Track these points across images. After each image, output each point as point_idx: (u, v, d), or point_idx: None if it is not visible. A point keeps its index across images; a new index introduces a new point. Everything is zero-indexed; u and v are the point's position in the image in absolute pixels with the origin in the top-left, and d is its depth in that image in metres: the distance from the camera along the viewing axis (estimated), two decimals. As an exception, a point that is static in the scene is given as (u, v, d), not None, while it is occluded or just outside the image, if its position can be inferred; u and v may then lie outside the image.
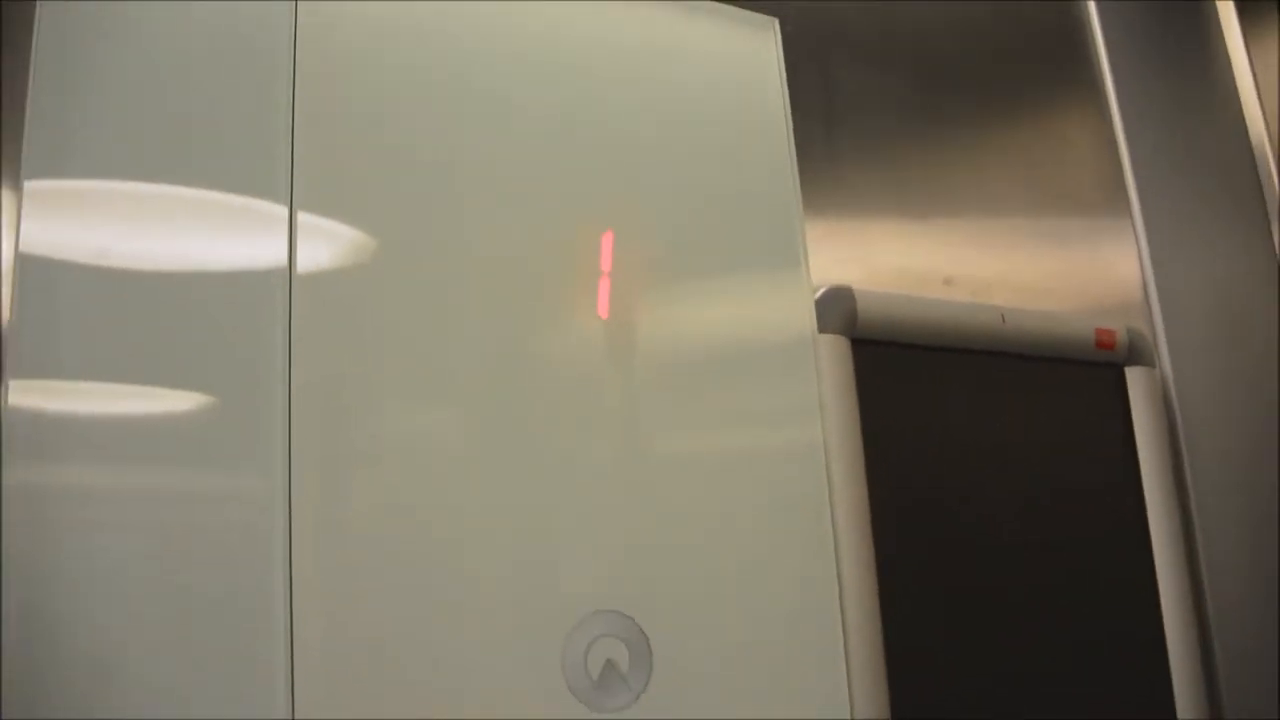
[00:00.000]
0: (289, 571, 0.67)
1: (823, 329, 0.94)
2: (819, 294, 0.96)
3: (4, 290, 0.68)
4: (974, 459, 1.05)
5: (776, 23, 0.98)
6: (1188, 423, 1.26)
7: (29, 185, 0.67)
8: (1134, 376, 1.19)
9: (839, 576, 0.88)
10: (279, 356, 0.70)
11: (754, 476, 0.86)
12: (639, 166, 0.88)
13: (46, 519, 0.63)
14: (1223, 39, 1.52)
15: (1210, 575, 1.22)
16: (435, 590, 0.72)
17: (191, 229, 0.70)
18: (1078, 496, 1.12)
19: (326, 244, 0.74)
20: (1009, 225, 1.25)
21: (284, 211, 0.73)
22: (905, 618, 0.92)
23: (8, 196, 0.72)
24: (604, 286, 0.83)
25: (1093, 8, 1.41)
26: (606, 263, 0.83)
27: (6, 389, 0.64)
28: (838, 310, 0.96)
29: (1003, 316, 1.08)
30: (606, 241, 0.84)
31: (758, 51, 0.97)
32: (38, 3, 0.70)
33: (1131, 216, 1.34)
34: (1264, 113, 1.47)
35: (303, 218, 0.73)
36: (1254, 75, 1.49)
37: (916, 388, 1.02)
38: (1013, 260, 1.23)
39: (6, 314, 0.67)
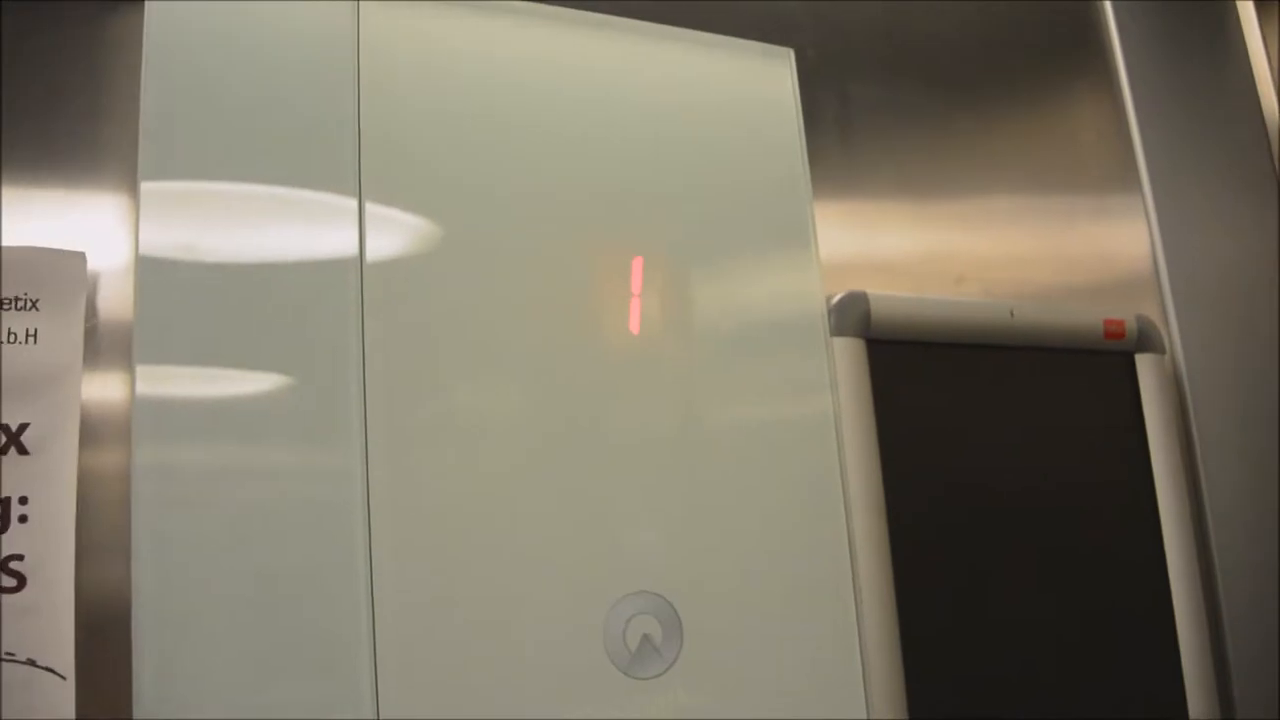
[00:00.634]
0: (369, 542, 0.78)
1: (838, 332, 1.03)
2: (834, 299, 1.04)
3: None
4: (987, 452, 1.11)
5: (792, 53, 1.07)
6: (1199, 409, 1.30)
7: (145, 186, 0.78)
8: (1144, 364, 1.24)
9: (854, 566, 0.97)
10: (353, 338, 0.81)
11: (776, 469, 0.96)
12: (663, 184, 0.98)
13: (165, 496, 0.74)
14: (1238, 19, 1.54)
15: (1222, 564, 1.26)
16: (495, 564, 0.83)
17: (276, 223, 0.82)
18: (1090, 486, 1.18)
19: (393, 235, 0.85)
20: (1019, 209, 1.30)
21: (353, 205, 0.84)
22: (920, 607, 1.00)
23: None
24: (634, 306, 0.93)
25: (1104, -10, 1.45)
26: (637, 283, 0.94)
27: (135, 376, 0.75)
28: (852, 313, 1.04)
29: (1011, 311, 1.15)
30: (637, 263, 0.94)
31: (774, 79, 1.06)
32: (146, 2, 0.81)
33: (1143, 200, 1.37)
34: (1278, 93, 1.49)
35: (371, 210, 0.84)
36: (1268, 55, 1.51)
37: (930, 385, 1.09)
38: (1023, 246, 1.28)
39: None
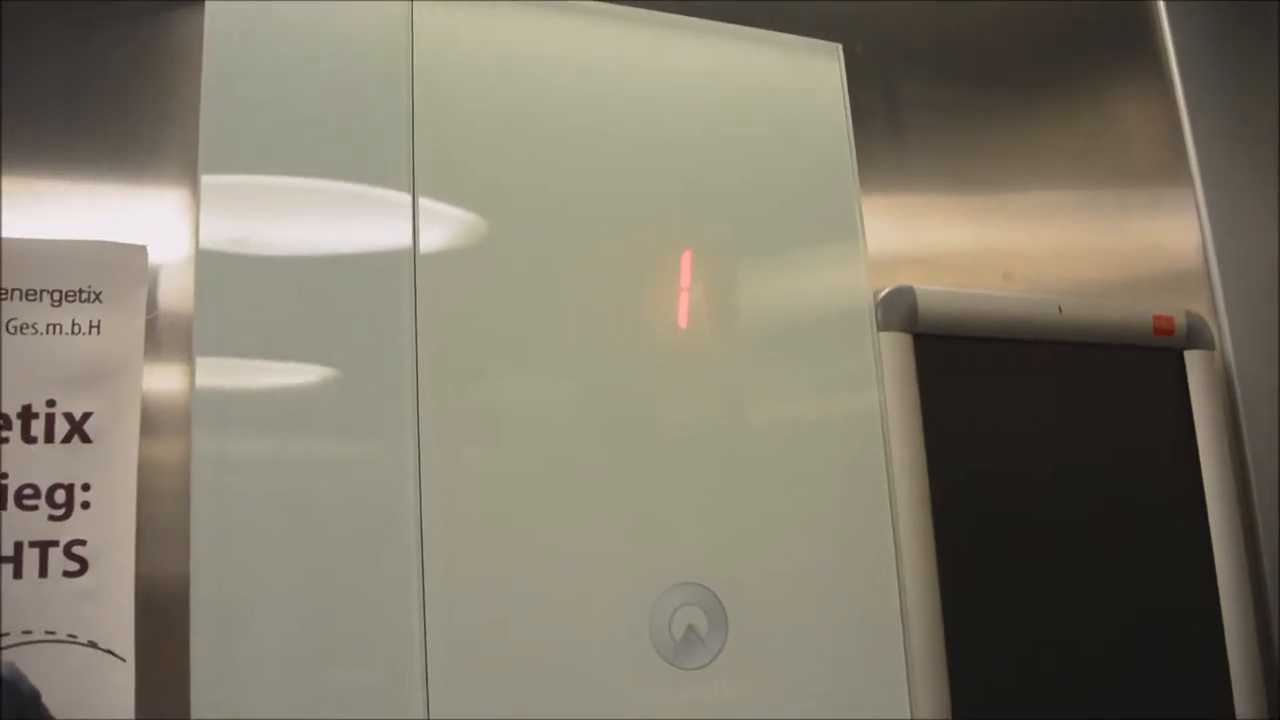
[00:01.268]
0: (420, 533, 0.80)
1: (885, 327, 1.03)
2: (882, 294, 1.04)
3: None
4: (1034, 448, 1.11)
5: (840, 48, 1.07)
6: (1249, 406, 1.29)
7: (205, 180, 0.80)
8: (1193, 360, 1.23)
9: (899, 561, 0.98)
10: (406, 331, 0.83)
11: (822, 463, 0.96)
12: (712, 180, 0.98)
13: (223, 485, 0.76)
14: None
15: (1270, 564, 1.24)
16: (543, 555, 0.84)
17: (332, 217, 0.83)
18: (1137, 484, 1.17)
19: (446, 230, 0.87)
20: (1068, 204, 1.29)
21: (408, 199, 0.85)
22: (964, 604, 1.00)
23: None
24: (683, 300, 0.93)
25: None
26: (686, 277, 0.94)
27: (195, 367, 0.76)
28: (899, 308, 1.04)
29: (1059, 307, 1.15)
30: (686, 258, 0.95)
31: (823, 75, 1.06)
32: (206, 3, 0.82)
33: (1194, 195, 1.36)
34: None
35: (424, 204, 0.86)
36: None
37: (977, 380, 1.09)
38: (1071, 241, 1.28)
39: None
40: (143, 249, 0.78)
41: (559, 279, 0.89)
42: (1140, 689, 1.10)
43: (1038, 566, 1.08)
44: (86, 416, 0.74)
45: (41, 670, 0.70)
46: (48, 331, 0.74)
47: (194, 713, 0.72)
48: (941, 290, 1.08)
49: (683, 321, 0.93)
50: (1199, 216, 1.35)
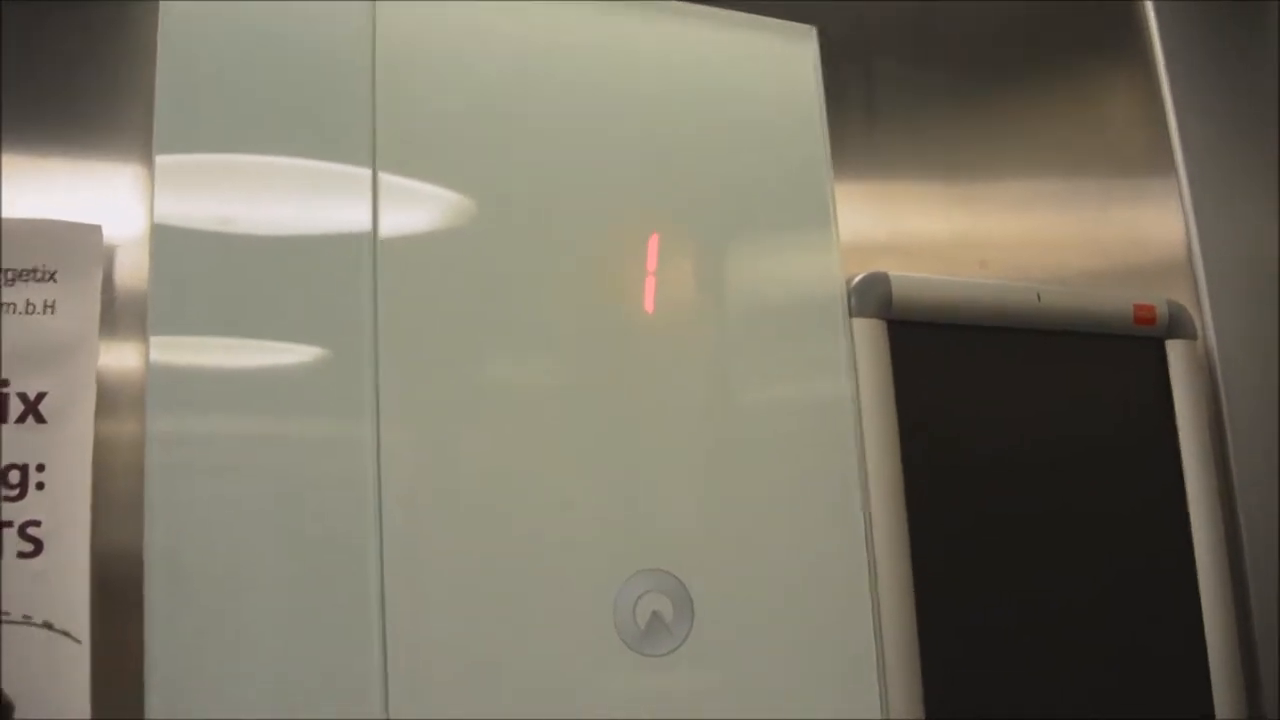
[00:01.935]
0: (379, 513, 0.80)
1: (859, 313, 1.02)
2: (855, 280, 1.04)
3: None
4: (1011, 437, 1.10)
5: (814, 31, 1.07)
6: (1230, 396, 1.28)
7: (160, 159, 0.79)
8: (1175, 350, 1.22)
9: (870, 549, 0.97)
10: (367, 311, 0.82)
11: (792, 450, 0.96)
12: (682, 162, 0.98)
13: (178, 464, 0.76)
14: (1276, 2, 1.49)
15: (1252, 556, 1.24)
16: (508, 538, 0.84)
17: (291, 195, 0.83)
18: (1116, 474, 1.16)
19: (408, 207, 0.86)
20: (1048, 192, 1.29)
21: (368, 176, 0.85)
22: (937, 592, 0.99)
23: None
24: (649, 284, 0.93)
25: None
26: (653, 260, 0.94)
27: (149, 345, 0.76)
28: (873, 294, 1.04)
29: (1038, 295, 1.14)
30: (653, 241, 0.94)
31: (797, 57, 1.06)
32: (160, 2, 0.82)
33: (1178, 184, 1.35)
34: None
35: (385, 181, 0.85)
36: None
37: (953, 368, 1.08)
38: (1052, 229, 1.27)
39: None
40: (97, 228, 0.77)
41: (524, 261, 0.89)
42: (1118, 685, 1.09)
43: (1013, 556, 1.07)
44: (41, 396, 0.73)
45: (-5, 651, 0.69)
46: (3, 310, 0.73)
47: (148, 693, 0.71)
48: (916, 277, 1.07)
49: (649, 306, 0.92)
50: (1182, 205, 1.34)
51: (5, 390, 0.73)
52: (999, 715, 1.02)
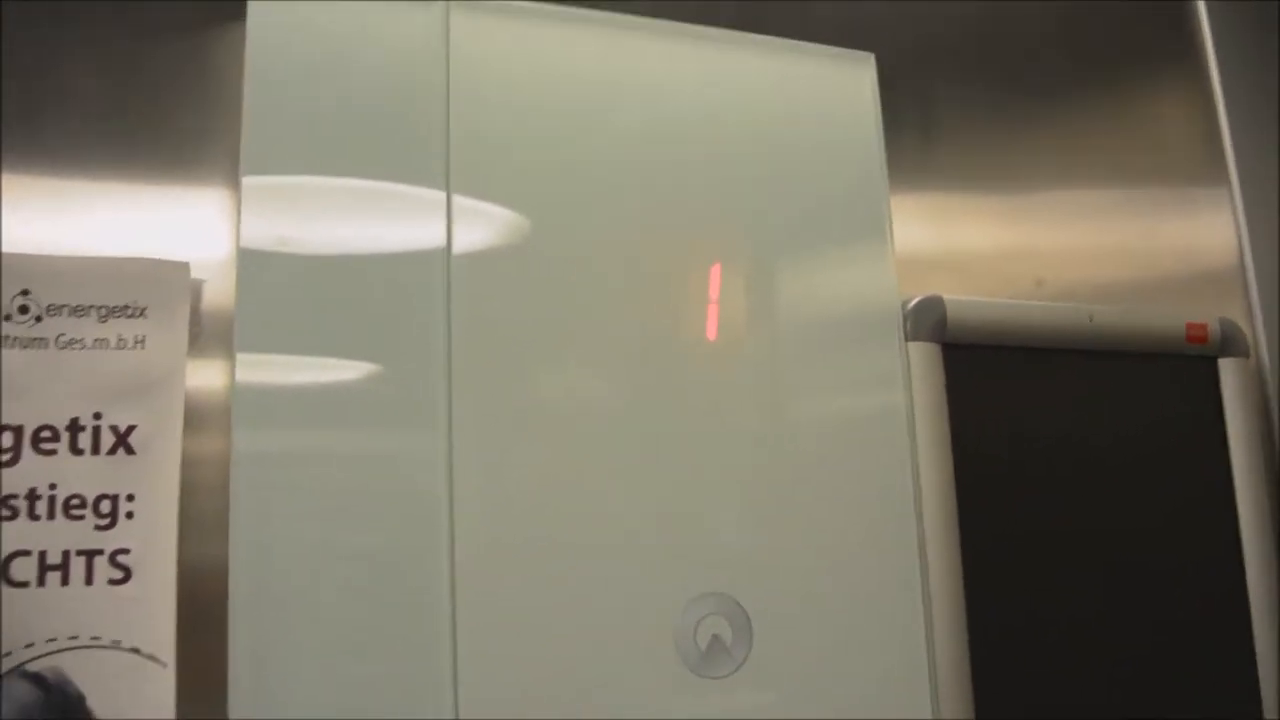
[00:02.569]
0: (451, 532, 0.82)
1: (914, 337, 1.04)
2: (910, 303, 1.05)
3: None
4: (1064, 458, 1.10)
5: (873, 58, 1.08)
6: (1283, 412, 1.29)
7: (247, 181, 0.82)
8: (1227, 369, 1.22)
9: (924, 569, 0.98)
10: (440, 330, 0.85)
11: (849, 473, 0.98)
12: (743, 189, 0.99)
13: (263, 482, 0.78)
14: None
15: None
16: (573, 559, 0.86)
17: (369, 216, 0.86)
18: (1169, 494, 1.16)
19: (480, 228, 0.89)
20: (1102, 204, 1.28)
21: (442, 197, 0.87)
22: (991, 612, 1.01)
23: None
24: (712, 311, 0.95)
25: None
26: (715, 289, 0.95)
27: (236, 363, 0.79)
28: (928, 318, 1.05)
29: (1090, 316, 1.14)
30: (715, 270, 0.96)
31: (855, 84, 1.07)
32: (248, 2, 0.85)
33: (1231, 197, 1.34)
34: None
35: (458, 203, 0.88)
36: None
37: (1007, 390, 1.09)
38: (1105, 243, 1.27)
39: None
40: (185, 265, 0.80)
41: (590, 284, 0.91)
42: (1168, 697, 1.10)
43: (1066, 576, 1.08)
44: (131, 429, 0.76)
45: (86, 675, 0.72)
46: (94, 346, 0.76)
47: (231, 713, 0.74)
48: (971, 300, 1.08)
49: (711, 334, 0.94)
50: (1235, 219, 1.34)
51: (98, 423, 0.75)
52: (1049, 734, 1.03)
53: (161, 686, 0.74)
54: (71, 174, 0.82)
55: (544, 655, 0.83)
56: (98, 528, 0.74)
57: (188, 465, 0.78)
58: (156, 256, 0.80)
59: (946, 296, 1.06)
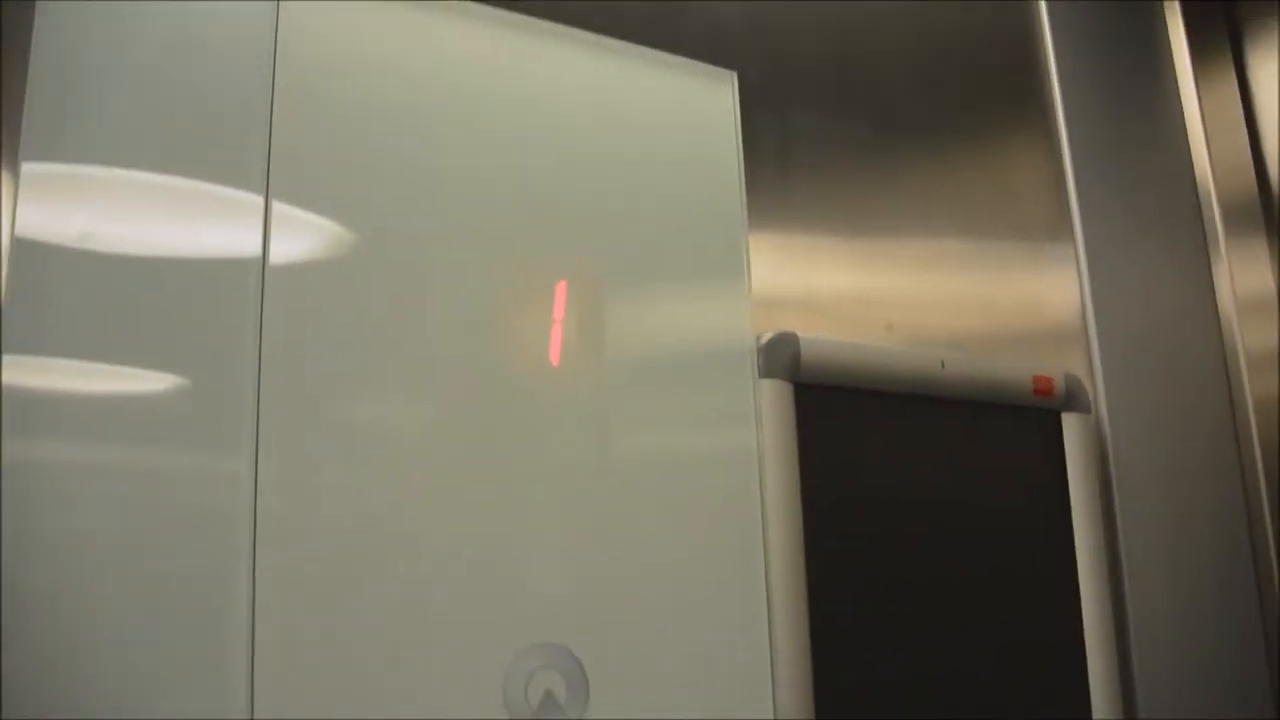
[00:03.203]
0: (253, 558, 0.72)
1: (766, 374, 0.98)
2: (763, 339, 0.99)
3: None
4: (912, 504, 1.08)
5: (734, 76, 1.03)
6: (1120, 471, 1.30)
7: (26, 168, 0.71)
8: (1069, 423, 1.23)
9: (770, 611, 0.93)
10: (250, 342, 0.74)
11: (696, 513, 0.91)
12: (592, 207, 0.92)
13: (32, 493, 0.67)
14: (1174, 77, 1.56)
15: (1136, 622, 1.26)
16: (388, 598, 0.76)
17: (173, 217, 0.75)
18: (1011, 542, 1.16)
19: (299, 237, 0.78)
20: (954, 253, 1.29)
21: (260, 202, 0.77)
22: (836, 652, 0.97)
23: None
24: (556, 333, 0.87)
25: (1048, 40, 1.44)
26: (560, 308, 0.88)
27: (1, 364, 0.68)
28: (782, 355, 1.00)
29: (942, 363, 1.12)
30: (560, 288, 0.88)
31: (715, 102, 1.02)
32: (36, 2, 0.74)
33: (1075, 254, 1.36)
34: (1209, 148, 1.51)
35: (277, 209, 0.78)
36: (1202, 110, 1.52)
37: (857, 433, 1.06)
38: (956, 292, 1.27)
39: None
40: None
41: (421, 299, 0.82)
42: None
43: (911, 621, 1.05)
44: None
45: None
46: None
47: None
48: (825, 339, 1.04)
49: (555, 356, 0.86)
50: (1079, 275, 1.35)
51: None
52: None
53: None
54: None
55: (353, 704, 0.73)
56: None
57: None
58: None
59: (801, 334, 1.01)
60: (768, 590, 0.93)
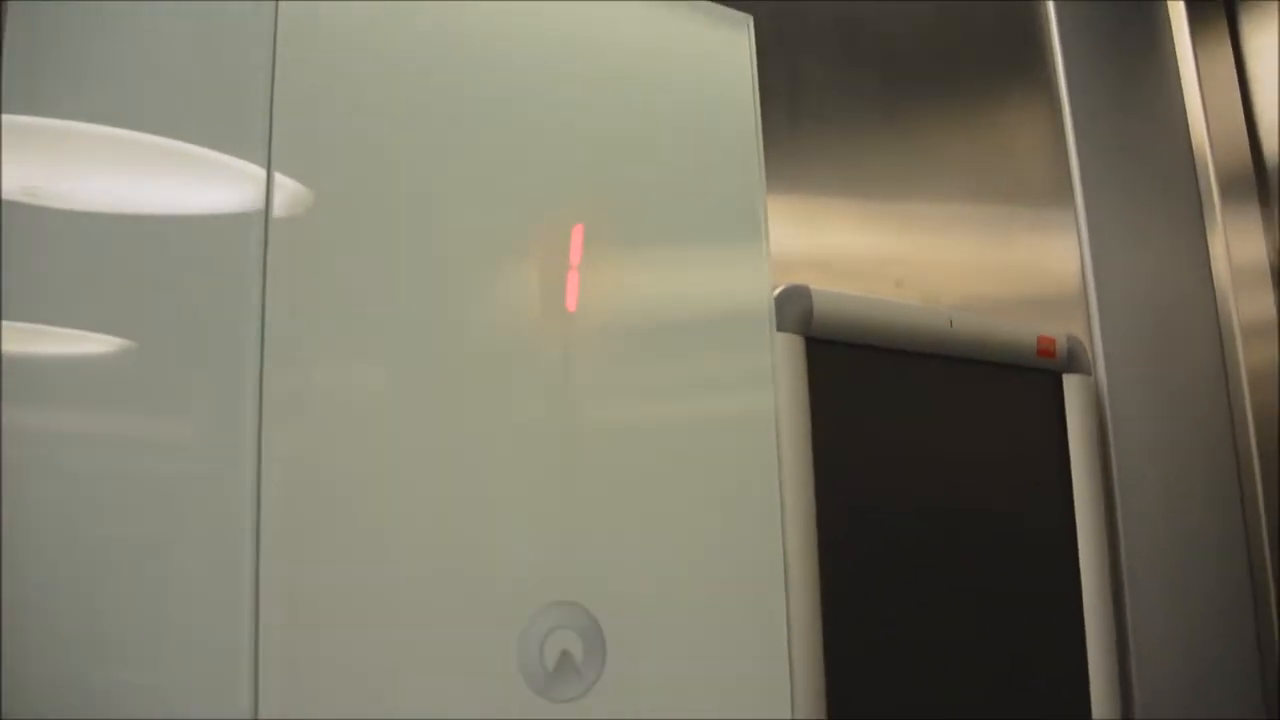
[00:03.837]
0: (256, 526, 0.67)
1: (779, 327, 0.96)
2: (776, 291, 0.96)
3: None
4: (917, 458, 1.07)
5: (751, 20, 0.99)
6: (1118, 433, 1.29)
7: (7, 119, 0.65)
8: (1070, 384, 1.22)
9: (785, 569, 0.90)
10: (249, 305, 0.69)
11: (711, 467, 0.88)
12: (608, 154, 0.88)
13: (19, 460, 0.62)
14: (1173, 42, 1.55)
15: (1131, 582, 1.26)
16: (398, 562, 0.72)
17: (172, 177, 0.70)
18: (1012, 500, 1.16)
19: (301, 198, 0.73)
20: (962, 215, 1.28)
21: (259, 157, 0.71)
22: (846, 610, 0.95)
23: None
24: (573, 279, 0.83)
25: (1051, 7, 1.42)
26: (576, 255, 0.84)
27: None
28: (794, 309, 0.97)
29: (950, 321, 1.10)
30: (577, 233, 0.84)
31: (731, 47, 0.98)
32: None
33: (1076, 218, 1.35)
34: (1207, 119, 1.51)
35: (279, 172, 0.72)
36: (1199, 80, 1.52)
37: (867, 389, 1.04)
38: (963, 253, 1.26)
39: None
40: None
41: (434, 250, 0.77)
42: (1006, 696, 1.09)
43: (916, 575, 1.04)
44: None
45: None
46: None
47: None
48: (837, 293, 1.02)
49: (571, 304, 0.83)
50: (1080, 239, 1.34)
51: None
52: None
53: None
54: None
55: (359, 670, 0.69)
56: None
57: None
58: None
59: (813, 288, 0.99)
60: (783, 537, 0.90)
